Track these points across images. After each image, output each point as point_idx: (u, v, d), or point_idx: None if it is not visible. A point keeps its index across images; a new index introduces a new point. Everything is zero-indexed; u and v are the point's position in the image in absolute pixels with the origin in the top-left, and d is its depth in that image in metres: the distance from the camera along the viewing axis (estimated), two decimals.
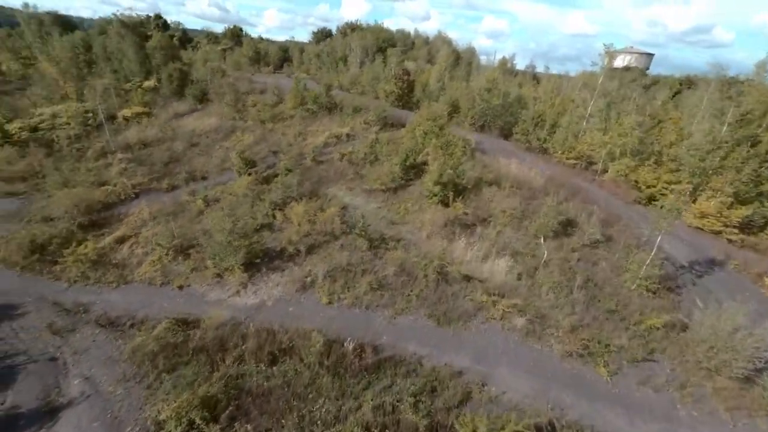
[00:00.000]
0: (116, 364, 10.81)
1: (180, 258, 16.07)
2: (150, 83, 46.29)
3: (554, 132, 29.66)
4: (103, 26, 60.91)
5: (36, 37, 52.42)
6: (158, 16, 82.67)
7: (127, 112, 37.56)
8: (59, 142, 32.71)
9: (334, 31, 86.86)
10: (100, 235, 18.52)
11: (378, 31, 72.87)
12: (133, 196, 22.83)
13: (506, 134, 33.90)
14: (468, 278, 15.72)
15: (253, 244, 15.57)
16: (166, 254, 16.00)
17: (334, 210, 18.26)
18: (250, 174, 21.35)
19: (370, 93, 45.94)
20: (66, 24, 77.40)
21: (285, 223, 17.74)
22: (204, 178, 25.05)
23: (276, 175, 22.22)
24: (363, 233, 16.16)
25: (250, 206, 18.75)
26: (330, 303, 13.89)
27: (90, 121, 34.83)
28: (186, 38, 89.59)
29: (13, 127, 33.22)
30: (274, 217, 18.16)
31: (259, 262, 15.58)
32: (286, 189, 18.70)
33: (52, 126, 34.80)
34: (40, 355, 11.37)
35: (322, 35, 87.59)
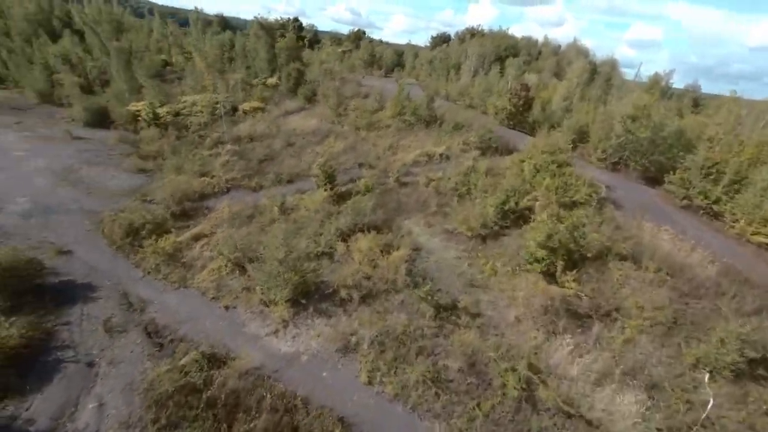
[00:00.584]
0: (132, 396, 10.09)
1: (237, 272, 15.39)
2: (273, 80, 50.70)
3: (737, 189, 19.96)
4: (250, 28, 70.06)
5: (200, 36, 62.68)
6: (296, 19, 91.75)
7: (246, 106, 41.35)
8: (190, 127, 37.71)
9: (453, 36, 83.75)
10: (185, 227, 19.35)
11: (500, 37, 66.99)
12: (225, 190, 23.83)
13: (652, 179, 25.25)
14: (569, 413, 10.64)
15: (306, 275, 13.88)
16: (226, 265, 15.48)
17: (403, 253, 15.30)
18: (326, 189, 20.06)
19: (478, 106, 41.63)
20: (227, 26, 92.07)
21: (347, 254, 15.74)
22: (290, 182, 24.93)
23: (354, 193, 20.55)
24: (428, 297, 12.95)
25: (317, 227, 17.34)
26: (370, 383, 11.16)
27: (217, 111, 39.31)
28: (315, 40, 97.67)
29: (162, 110, 39.64)
30: (337, 246, 16.28)
31: (307, 298, 13.81)
32: (357, 214, 16.69)
33: (190, 113, 40.47)
34: (85, 355, 11.48)
35: (440, 40, 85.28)
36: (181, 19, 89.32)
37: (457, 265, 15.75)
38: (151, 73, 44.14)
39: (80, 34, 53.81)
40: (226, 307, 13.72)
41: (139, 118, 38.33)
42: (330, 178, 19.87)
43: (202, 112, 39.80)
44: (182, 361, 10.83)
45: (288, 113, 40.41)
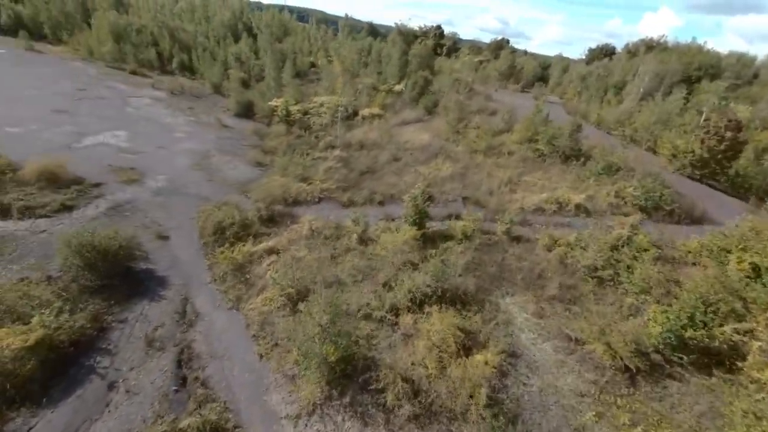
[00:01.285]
0: None
1: (287, 309, 13.34)
2: (399, 87, 49.93)
3: None
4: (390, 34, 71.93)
5: (344, 40, 67.12)
6: (438, 27, 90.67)
7: (367, 111, 41.19)
8: (312, 127, 39.52)
9: (619, 49, 69.23)
10: (266, 235, 18.64)
11: (691, 52, 51.33)
12: (317, 200, 22.78)
13: None
14: None
15: (353, 347, 10.74)
16: (279, 297, 13.60)
17: (490, 360, 10.36)
18: (414, 225, 16.53)
19: (644, 143, 31.71)
20: (375, 33, 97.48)
21: (413, 331, 11.86)
22: (381, 203, 22.45)
23: (446, 238, 16.53)
24: None
25: (389, 273, 14.05)
26: None
27: (338, 114, 40.24)
28: (454, 48, 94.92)
29: (294, 108, 42.89)
30: (403, 316, 12.40)
31: (348, 379, 10.62)
32: (439, 278, 12.57)
33: (316, 113, 42.72)
34: (115, 370, 10.87)
35: (600, 53, 71.68)
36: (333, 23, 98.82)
37: (576, 408, 9.76)
38: (294, 73, 48.56)
39: (255, 37, 63.63)
40: (260, 356, 11.69)
41: (275, 113, 42.37)
42: (421, 216, 16.31)
43: (326, 113, 41.45)
44: (181, 424, 8.99)
45: (404, 123, 38.48)
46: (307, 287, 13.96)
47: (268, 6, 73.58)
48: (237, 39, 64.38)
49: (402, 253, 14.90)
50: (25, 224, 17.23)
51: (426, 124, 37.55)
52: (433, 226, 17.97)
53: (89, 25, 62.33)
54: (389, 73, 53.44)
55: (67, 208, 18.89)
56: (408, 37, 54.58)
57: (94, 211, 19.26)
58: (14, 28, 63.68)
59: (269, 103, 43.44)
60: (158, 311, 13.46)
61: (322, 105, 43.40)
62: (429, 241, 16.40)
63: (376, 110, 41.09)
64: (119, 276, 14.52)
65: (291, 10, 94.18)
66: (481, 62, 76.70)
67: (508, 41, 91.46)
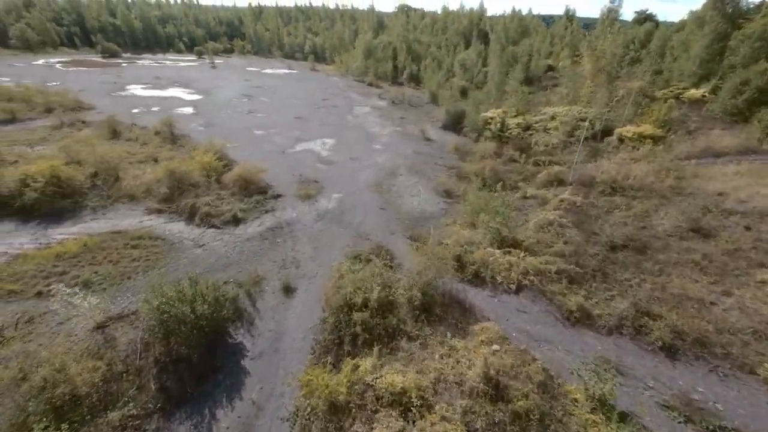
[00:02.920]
0: None
1: None
2: (699, 92, 30.58)
3: None
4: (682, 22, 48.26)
5: (604, 30, 49.92)
6: None
7: (629, 130, 26.18)
8: (533, 148, 28.65)
9: None
10: (406, 341, 10.80)
11: None
12: (512, 288, 13.01)
13: None
14: None
15: None
16: None
17: None
18: None
19: None
20: (649, 20, 71.70)
21: None
22: (663, 347, 10.28)
23: None
24: None
25: None
26: None
27: (577, 132, 27.40)
28: None
29: (513, 121, 33.17)
30: None
31: None
32: None
33: (543, 128, 31.33)
34: None
35: None
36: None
37: None
38: (523, 78, 38.44)
39: (488, 43, 57.28)
40: None
41: (488, 126, 34.18)
42: None
43: (556, 129, 29.48)
44: None
45: (714, 154, 21.51)
46: None
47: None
48: (468, 46, 60.15)
49: None
50: (197, 232, 16.66)
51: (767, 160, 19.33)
52: None
53: (354, 47, 74.62)
54: (680, 70, 34.28)
55: (236, 221, 17.67)
56: (734, 14, 32.91)
57: (255, 230, 17.22)
58: (311, 52, 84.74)
59: (483, 114, 35.72)
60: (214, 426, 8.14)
61: (553, 118, 31.55)
62: None
63: (647, 128, 25.51)
64: (203, 347, 10.28)
65: (544, 19, 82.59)
66: None
67: None
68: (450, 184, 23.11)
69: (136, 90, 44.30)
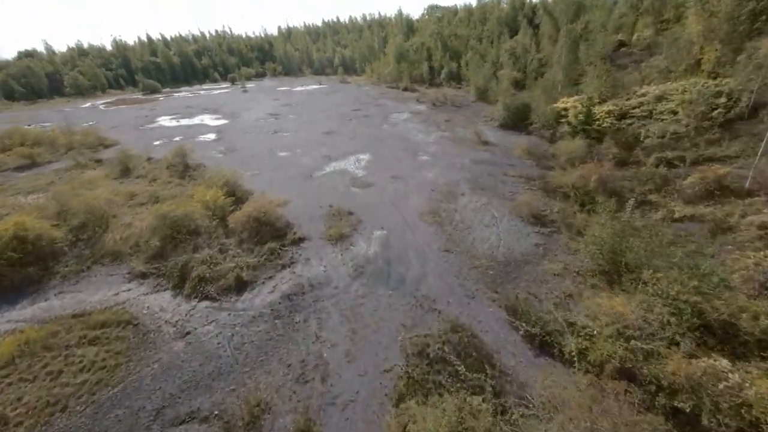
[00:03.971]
0: None
1: None
2: None
3: None
4: None
5: None
6: None
7: None
8: (644, 142, 20.70)
9: None
10: None
11: None
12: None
13: None
14: None
15: None
16: None
17: None
18: None
19: None
20: None
21: None
22: None
23: None
24: None
25: None
26: None
27: (716, 113, 19.01)
28: None
29: (601, 109, 25.29)
30: None
31: None
32: None
33: (648, 113, 23.17)
34: None
35: None
36: None
37: None
38: (588, 59, 30.27)
39: (536, 27, 49.28)
40: None
41: (564, 120, 26.56)
42: None
43: (675, 113, 21.24)
44: None
45: None
46: None
47: None
48: (514, 34, 52.50)
49: None
50: (184, 309, 11.54)
51: None
52: None
53: (384, 53, 69.97)
54: None
55: (239, 286, 12.34)
56: None
57: (265, 299, 11.74)
58: (340, 65, 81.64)
59: (553, 105, 28.13)
60: None
61: (661, 99, 23.25)
62: None
63: None
64: None
65: None
66: None
67: None
68: (537, 204, 16.19)
69: (165, 121, 42.48)
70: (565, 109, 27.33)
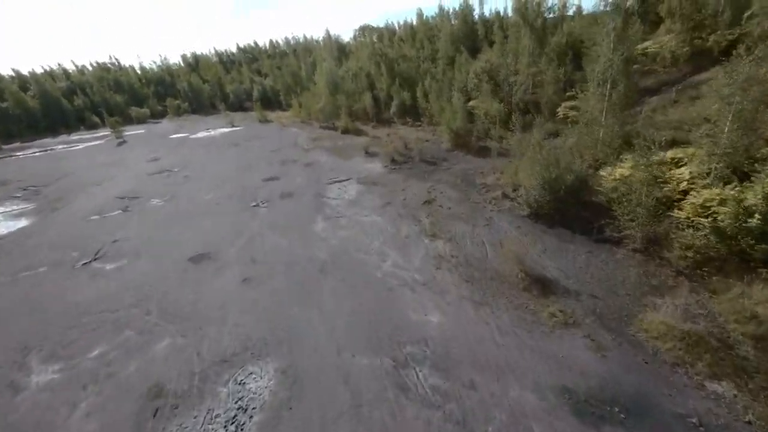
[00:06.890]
0: None
1: None
2: None
3: None
4: None
5: None
6: None
7: None
8: None
9: None
10: None
11: None
12: None
13: None
14: None
15: None
16: None
17: None
18: None
19: None
20: None
21: None
22: None
23: None
24: None
25: None
26: None
27: None
28: None
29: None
30: None
31: None
32: None
33: None
34: None
35: None
36: None
37: None
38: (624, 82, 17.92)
39: (502, 43, 38.03)
40: None
41: (687, 217, 13.13)
42: None
43: None
44: None
45: None
46: None
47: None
48: (474, 53, 41.03)
49: None
50: None
51: None
52: None
53: (315, 83, 55.42)
54: None
55: None
56: None
57: None
58: (261, 98, 65.39)
59: (617, 170, 14.84)
60: None
61: None
62: None
63: None
64: None
65: None
66: None
67: None
68: None
69: None
70: (697, 192, 14.22)
